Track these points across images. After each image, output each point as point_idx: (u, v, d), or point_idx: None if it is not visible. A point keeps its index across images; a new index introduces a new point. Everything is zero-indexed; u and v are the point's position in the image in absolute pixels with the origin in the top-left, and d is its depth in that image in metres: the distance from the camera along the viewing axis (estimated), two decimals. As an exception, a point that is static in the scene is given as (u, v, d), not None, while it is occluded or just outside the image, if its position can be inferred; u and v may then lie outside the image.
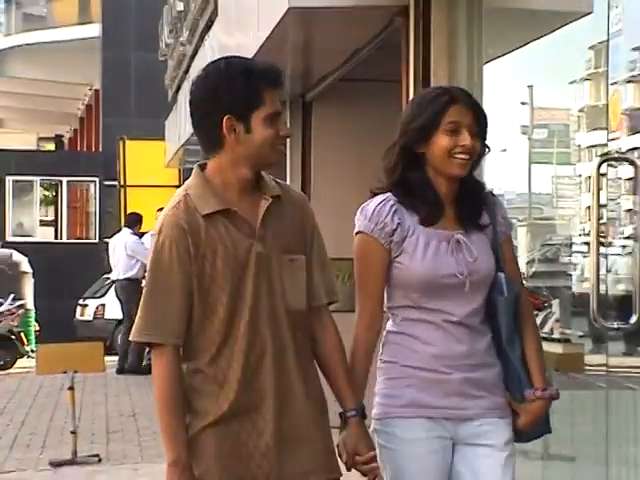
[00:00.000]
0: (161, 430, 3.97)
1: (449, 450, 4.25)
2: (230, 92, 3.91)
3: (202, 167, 4.05)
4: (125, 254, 18.53)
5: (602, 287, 5.11)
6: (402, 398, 4.21)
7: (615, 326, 5.23)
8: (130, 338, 4.05)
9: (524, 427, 4.30)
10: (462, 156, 4.17)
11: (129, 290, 18.24)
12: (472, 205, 4.30)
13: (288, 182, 10.22)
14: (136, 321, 3.96)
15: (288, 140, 4.80)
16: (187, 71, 18.99)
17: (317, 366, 4.17)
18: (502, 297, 4.26)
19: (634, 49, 7.04)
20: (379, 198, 4.26)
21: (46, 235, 31.41)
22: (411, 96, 8.02)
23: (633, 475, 6.18)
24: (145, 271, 16.58)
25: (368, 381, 4.30)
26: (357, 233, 4.26)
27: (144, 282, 4.11)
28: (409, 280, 4.20)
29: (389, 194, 4.25)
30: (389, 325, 4.33)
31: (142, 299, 3.97)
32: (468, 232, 4.25)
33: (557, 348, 6.54)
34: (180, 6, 18.85)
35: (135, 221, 19.18)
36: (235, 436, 3.94)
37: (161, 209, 18.36)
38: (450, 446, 4.25)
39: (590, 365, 5.86)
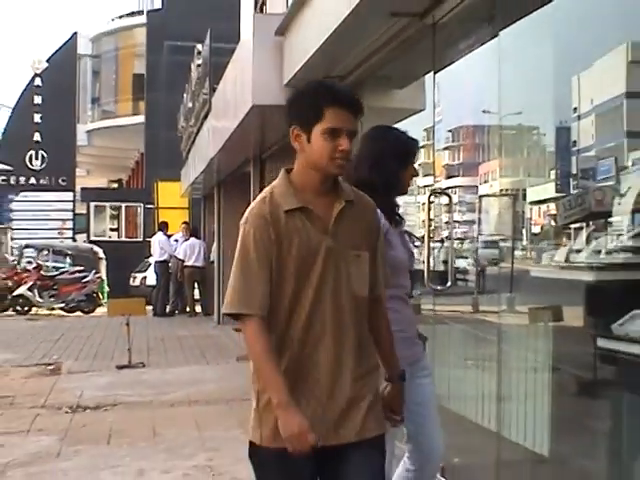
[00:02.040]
0: (265, 380, 2.86)
1: None
2: (298, 107, 2.90)
3: (288, 171, 2.97)
4: (159, 247, 18.45)
5: (431, 265, 5.06)
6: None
7: (439, 288, 5.20)
8: (223, 310, 2.92)
9: None
10: (411, 182, 3.66)
11: (161, 268, 18.42)
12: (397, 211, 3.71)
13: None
14: (227, 296, 2.89)
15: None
16: (194, 142, 18.80)
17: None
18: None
19: (448, 131, 7.09)
20: None
21: (112, 236, 30.95)
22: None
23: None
24: (170, 257, 16.40)
25: None
26: None
27: (234, 262, 2.92)
28: (393, 266, 3.31)
29: None
30: None
31: (232, 277, 2.90)
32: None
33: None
34: (190, 105, 18.91)
35: (164, 226, 19.07)
36: (297, 396, 2.82)
37: (184, 222, 18.12)
38: None
39: (424, 310, 5.82)
